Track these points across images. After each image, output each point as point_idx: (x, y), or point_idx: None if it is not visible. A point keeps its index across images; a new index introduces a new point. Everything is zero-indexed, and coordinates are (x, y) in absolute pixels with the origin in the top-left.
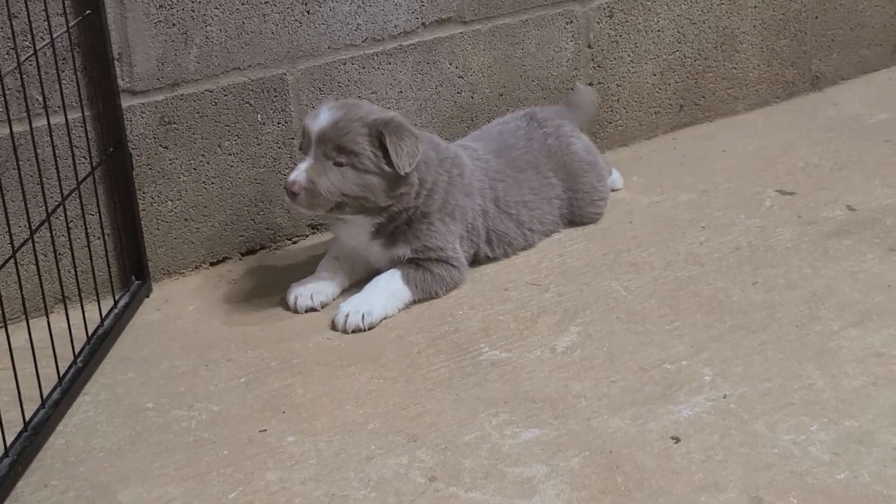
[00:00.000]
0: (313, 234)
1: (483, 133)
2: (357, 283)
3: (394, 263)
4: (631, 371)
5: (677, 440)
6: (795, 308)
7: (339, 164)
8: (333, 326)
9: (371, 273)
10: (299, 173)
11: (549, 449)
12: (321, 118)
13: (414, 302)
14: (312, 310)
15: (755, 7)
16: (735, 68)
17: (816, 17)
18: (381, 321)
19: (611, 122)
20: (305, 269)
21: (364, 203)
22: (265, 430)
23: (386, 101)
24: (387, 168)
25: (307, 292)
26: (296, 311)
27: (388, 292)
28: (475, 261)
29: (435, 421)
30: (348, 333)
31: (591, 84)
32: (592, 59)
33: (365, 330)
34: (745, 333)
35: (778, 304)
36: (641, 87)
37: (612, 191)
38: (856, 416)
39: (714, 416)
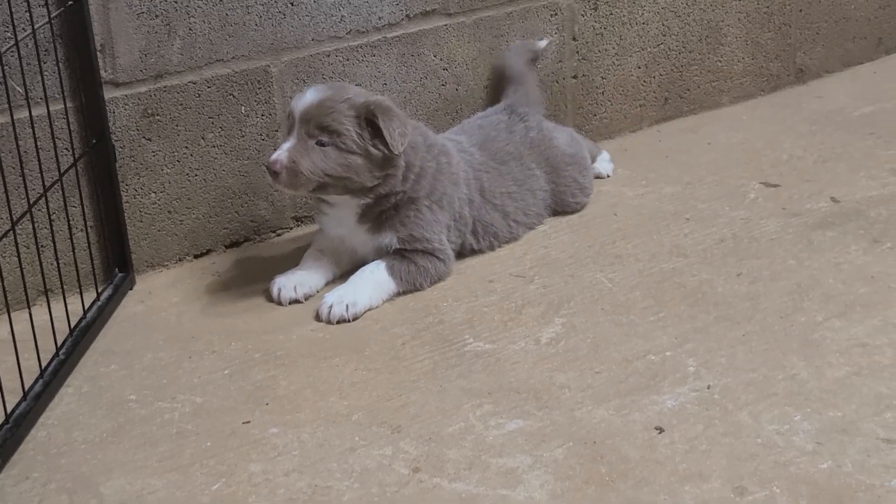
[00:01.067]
0: (298, 226)
1: (465, 127)
2: (341, 275)
3: (379, 252)
4: (615, 362)
5: (661, 430)
6: (779, 299)
7: (322, 144)
8: (318, 317)
9: (356, 265)
10: (281, 152)
11: (533, 440)
12: (306, 98)
13: (399, 294)
14: (296, 301)
15: (739, 0)
16: (720, 61)
17: (801, 10)
18: (365, 312)
19: (595, 115)
20: (289, 261)
21: (348, 184)
22: (248, 422)
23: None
24: (373, 150)
25: (291, 284)
26: (279, 303)
27: (372, 283)
28: (460, 253)
29: (419, 412)
30: (332, 324)
31: (574, 77)
32: (577, 52)
33: (349, 321)
34: (729, 324)
35: (762, 295)
36: (626, 80)
37: (598, 177)
38: (839, 406)
39: (698, 407)
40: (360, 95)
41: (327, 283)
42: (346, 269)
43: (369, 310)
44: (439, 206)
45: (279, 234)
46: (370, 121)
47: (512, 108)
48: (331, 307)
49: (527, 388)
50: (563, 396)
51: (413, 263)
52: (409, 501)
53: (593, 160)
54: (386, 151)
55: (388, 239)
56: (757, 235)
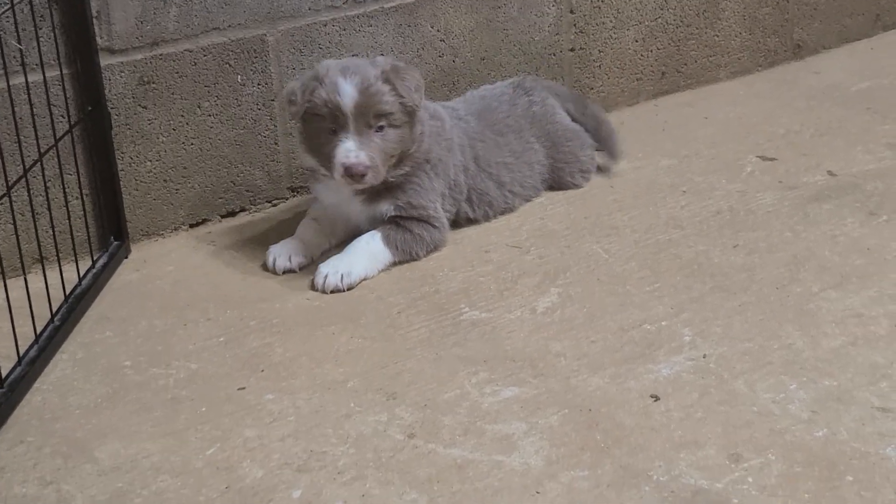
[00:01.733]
0: (293, 195)
1: (466, 97)
2: (337, 244)
3: (375, 221)
4: (611, 331)
5: (657, 398)
6: (775, 270)
7: (381, 129)
8: (313, 287)
9: (351, 234)
10: (357, 153)
11: (529, 407)
12: (348, 92)
13: (394, 263)
14: (290, 271)
15: None
16: (717, 36)
17: None
18: (360, 282)
19: (592, 89)
20: (285, 230)
21: (402, 155)
22: (244, 388)
23: None
24: (407, 112)
25: (285, 253)
26: (274, 272)
27: (368, 253)
28: (456, 222)
29: (414, 379)
30: (327, 294)
31: (572, 50)
32: (574, 25)
33: (343, 290)
34: (725, 295)
35: (758, 266)
36: (623, 54)
37: (599, 150)
38: (835, 375)
39: (693, 375)
40: (373, 66)
41: (323, 253)
42: (341, 239)
43: (364, 280)
44: (435, 172)
45: (275, 204)
46: (393, 85)
47: (519, 82)
48: (326, 277)
49: (522, 357)
50: (558, 364)
51: (409, 232)
52: (404, 466)
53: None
54: (410, 108)
55: (385, 207)
56: (753, 208)
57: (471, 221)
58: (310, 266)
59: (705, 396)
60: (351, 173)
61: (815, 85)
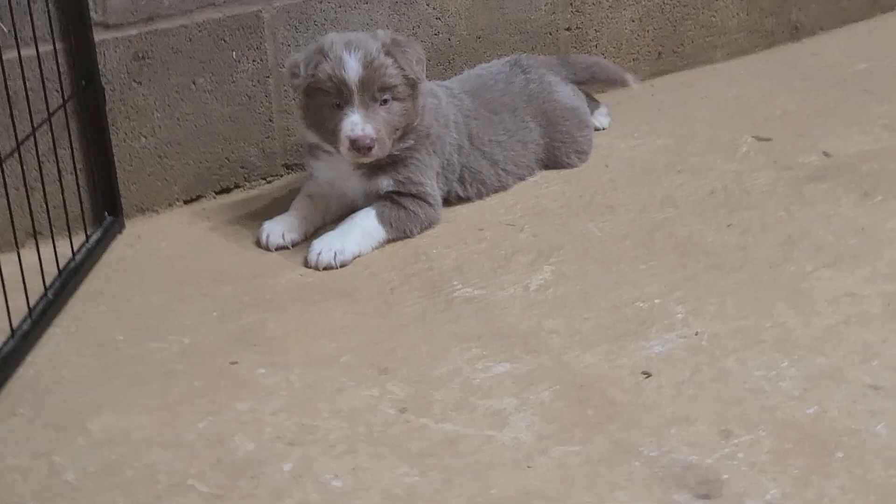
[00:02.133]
0: (288, 173)
1: (461, 76)
2: (331, 221)
3: (369, 196)
4: (604, 309)
5: (648, 375)
6: (769, 249)
7: (385, 102)
8: (306, 264)
9: (346, 211)
10: (363, 126)
11: (521, 383)
12: (352, 66)
13: (388, 241)
14: (283, 248)
15: None
16: (714, 16)
17: None
18: (353, 259)
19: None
20: (279, 207)
21: (406, 128)
22: (237, 363)
23: None
24: (410, 85)
25: (279, 230)
26: (267, 249)
27: (362, 230)
28: (447, 201)
29: (407, 355)
30: (319, 270)
31: (568, 29)
32: (571, 4)
33: (336, 267)
34: (718, 273)
35: (752, 245)
36: (620, 33)
37: (596, 129)
38: (827, 353)
39: (686, 353)
40: (373, 39)
41: (317, 230)
42: (336, 216)
43: (357, 257)
44: (434, 149)
45: (269, 181)
46: (395, 58)
47: (517, 60)
48: (319, 254)
49: (515, 333)
50: (551, 341)
51: (403, 209)
52: (395, 441)
53: (592, 111)
54: (412, 80)
55: (384, 182)
56: (748, 188)
57: (462, 200)
58: (304, 242)
59: (697, 373)
60: (357, 146)
61: (812, 66)
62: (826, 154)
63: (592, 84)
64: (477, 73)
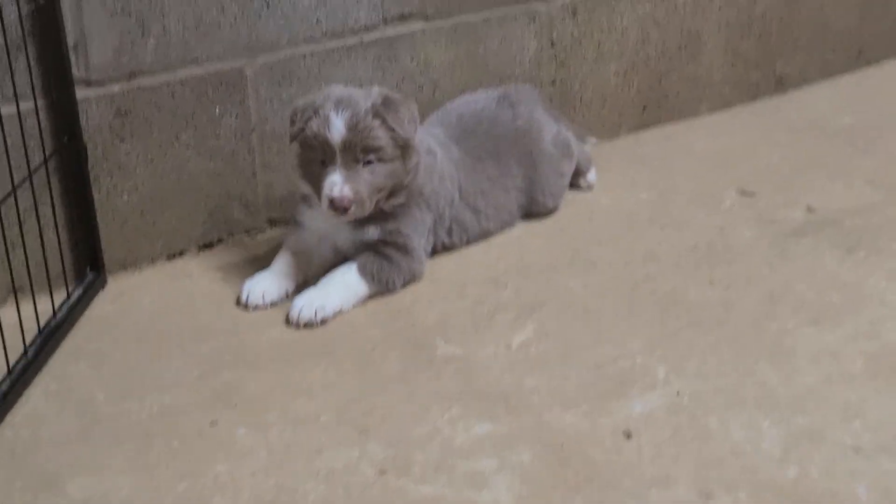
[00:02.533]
0: (271, 227)
1: (443, 116)
2: (313, 278)
3: (358, 246)
4: (585, 367)
5: (629, 435)
6: (752, 306)
7: (369, 163)
8: (287, 321)
9: (327, 266)
10: (341, 187)
11: (501, 443)
12: (337, 126)
13: (370, 296)
14: (262, 308)
15: (720, 8)
16: (699, 69)
17: (781, 19)
18: (334, 315)
19: (573, 121)
20: (263, 262)
21: (394, 188)
22: (216, 423)
23: None
24: (398, 146)
25: (258, 290)
26: (246, 308)
27: (343, 285)
28: (433, 250)
29: (387, 415)
30: (301, 327)
31: (553, 83)
32: (555, 58)
33: (317, 324)
34: (700, 330)
35: (734, 301)
36: (605, 87)
37: (583, 189)
38: (808, 413)
39: (667, 412)
40: (365, 98)
41: (298, 286)
42: (318, 272)
43: (339, 313)
44: (427, 206)
45: (252, 236)
46: (384, 119)
47: (505, 95)
48: (300, 310)
49: (496, 393)
50: (532, 401)
51: (386, 259)
52: (374, 502)
53: (584, 172)
54: (403, 141)
55: (371, 232)
56: (731, 243)
57: (446, 248)
58: (281, 301)
59: (678, 433)
60: (334, 206)
61: (796, 119)
62: (810, 209)
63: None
64: (458, 113)
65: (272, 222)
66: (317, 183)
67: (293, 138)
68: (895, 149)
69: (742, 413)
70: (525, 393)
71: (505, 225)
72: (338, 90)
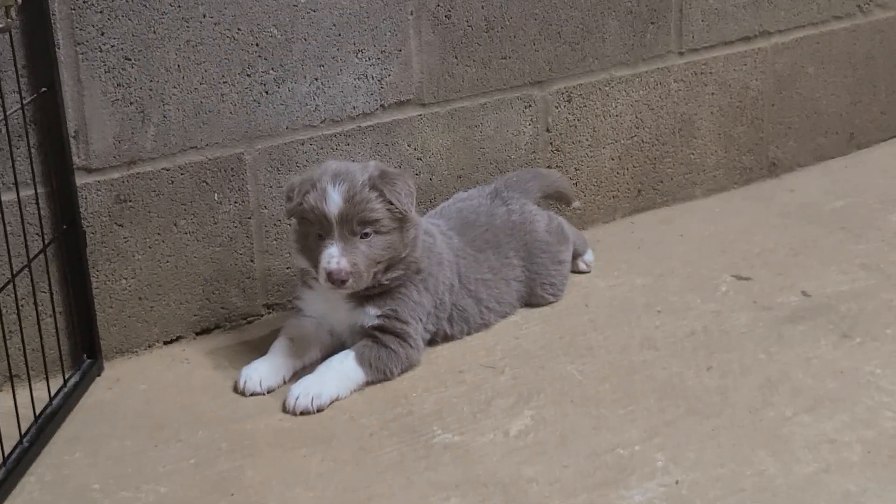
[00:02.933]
0: (269, 313)
1: (443, 210)
2: (310, 364)
3: (355, 331)
4: (583, 455)
5: None
6: (749, 393)
7: (366, 236)
8: (284, 409)
9: (325, 353)
10: (339, 260)
11: None
12: (334, 199)
13: (368, 383)
14: (259, 394)
15: (712, 94)
16: (693, 154)
17: (773, 105)
18: (330, 403)
19: (569, 206)
20: (260, 348)
21: (392, 261)
22: None
23: None
24: (396, 218)
25: (256, 377)
26: (243, 395)
27: (339, 373)
28: (433, 340)
29: None
30: (297, 415)
31: (548, 168)
32: (551, 143)
33: (314, 412)
34: (698, 418)
35: (732, 389)
36: (600, 172)
37: (582, 272)
38: (808, 502)
39: (666, 502)
40: (362, 171)
41: (296, 373)
42: (315, 359)
43: (336, 400)
44: (425, 286)
45: (250, 322)
46: (381, 192)
47: (497, 192)
48: (297, 398)
49: (494, 482)
50: (530, 490)
51: (384, 347)
52: None
53: (580, 254)
54: (400, 213)
55: (370, 314)
56: (728, 328)
57: (447, 338)
58: (284, 386)
59: None
60: (332, 279)
61: (789, 203)
62: (805, 294)
63: (557, 198)
64: (458, 207)
65: (270, 307)
66: (314, 257)
67: (291, 214)
68: (888, 233)
69: (741, 503)
70: (523, 482)
71: (505, 316)
72: (334, 164)
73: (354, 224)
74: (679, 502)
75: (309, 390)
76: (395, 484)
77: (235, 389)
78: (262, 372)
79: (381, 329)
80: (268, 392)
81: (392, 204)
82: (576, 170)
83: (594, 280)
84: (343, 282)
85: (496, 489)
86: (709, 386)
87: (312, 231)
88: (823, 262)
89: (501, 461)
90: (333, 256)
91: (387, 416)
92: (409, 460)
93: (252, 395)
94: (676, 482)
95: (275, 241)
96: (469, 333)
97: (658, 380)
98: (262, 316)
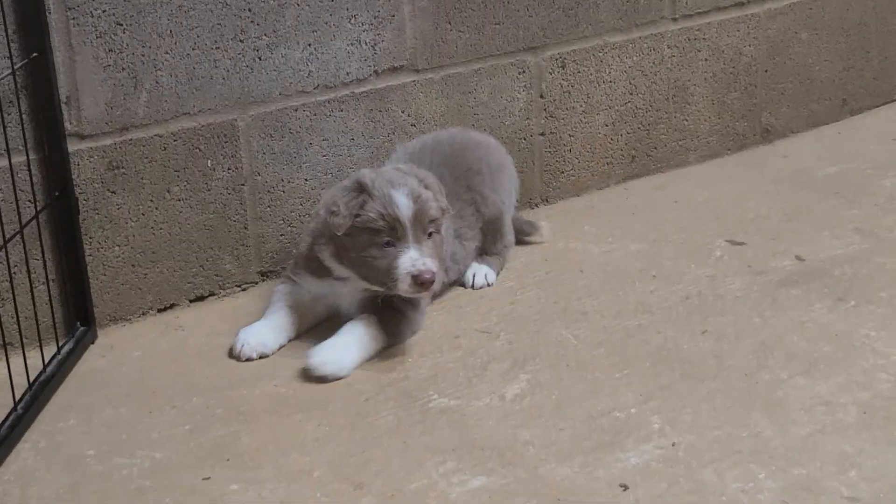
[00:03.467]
0: (263, 280)
1: (414, 156)
2: (305, 331)
3: (362, 303)
4: (579, 419)
5: (626, 488)
6: (744, 357)
7: (431, 235)
8: (307, 375)
9: (318, 324)
10: (424, 261)
11: (497, 497)
12: (405, 203)
13: (385, 348)
14: (252, 360)
15: (706, 60)
16: (686, 120)
17: (766, 71)
18: (353, 370)
19: (563, 173)
20: (254, 315)
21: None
22: (208, 478)
23: (338, 148)
24: (444, 217)
25: (253, 342)
26: (238, 360)
27: (362, 339)
28: None
29: (382, 469)
30: (324, 382)
31: (542, 134)
32: (545, 109)
33: (342, 378)
34: (693, 382)
35: (726, 352)
36: (594, 138)
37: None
38: (803, 464)
39: (662, 464)
40: (410, 174)
41: (290, 340)
42: (309, 327)
43: (357, 367)
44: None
45: (244, 289)
46: (433, 191)
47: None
48: (321, 365)
49: (491, 445)
50: (526, 453)
51: (401, 314)
52: None
53: (531, 233)
54: (445, 210)
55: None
56: (722, 293)
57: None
58: (273, 354)
59: (674, 486)
60: (421, 281)
61: (783, 169)
62: (799, 258)
63: None
64: (419, 154)
65: (264, 275)
66: (381, 267)
67: (342, 228)
68: (881, 198)
69: (737, 465)
70: (520, 446)
71: (465, 270)
72: (373, 171)
73: (426, 224)
74: (675, 464)
75: (334, 358)
76: (391, 448)
77: (230, 355)
78: (258, 337)
79: (396, 297)
80: (261, 357)
81: (439, 201)
82: (570, 136)
83: (588, 246)
84: (432, 283)
85: (492, 453)
86: (704, 350)
87: (376, 241)
88: (817, 227)
89: (497, 425)
90: (417, 259)
91: (383, 381)
92: (406, 425)
93: (247, 360)
94: (673, 444)
95: (269, 208)
96: (440, 294)
97: (653, 344)
98: (257, 283)
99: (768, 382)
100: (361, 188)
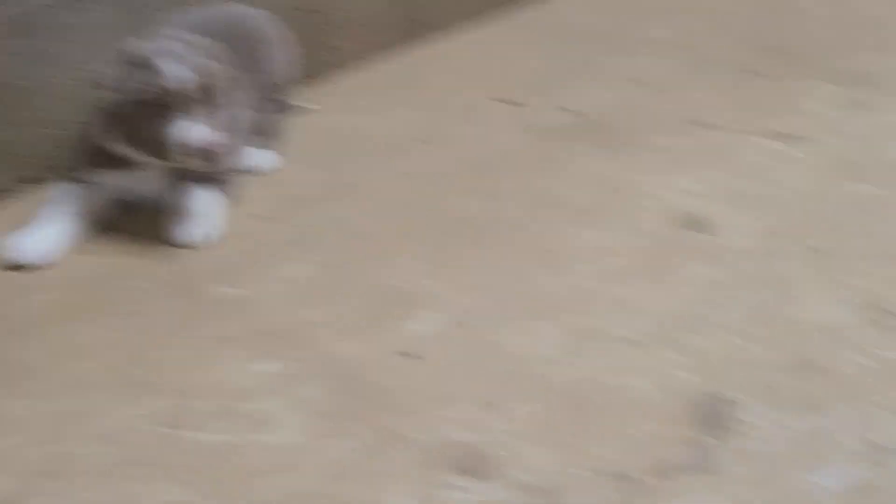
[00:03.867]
0: (22, 186)
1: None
2: (77, 236)
3: (172, 182)
4: (366, 294)
5: (413, 357)
6: (524, 214)
7: (216, 105)
8: (187, 245)
9: (95, 223)
10: (199, 128)
11: (287, 381)
12: (186, 73)
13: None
14: (26, 266)
15: None
16: None
17: None
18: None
19: (331, 47)
20: (16, 222)
21: None
22: None
23: (96, 44)
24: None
25: (24, 246)
26: (7, 268)
27: (216, 206)
28: None
29: (166, 367)
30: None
31: (316, 11)
32: None
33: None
34: (474, 244)
35: (506, 211)
36: (363, 9)
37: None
38: (585, 312)
39: (447, 329)
40: (193, 43)
41: (65, 246)
42: (89, 223)
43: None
44: None
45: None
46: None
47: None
48: (196, 235)
49: (278, 331)
50: (314, 334)
51: (226, 183)
52: (159, 459)
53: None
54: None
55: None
56: (499, 153)
57: None
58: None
59: (459, 350)
60: (198, 149)
61: (556, 25)
62: (574, 112)
63: None
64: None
65: (23, 181)
66: (164, 139)
67: (117, 102)
68: (657, 47)
69: (522, 321)
70: (308, 327)
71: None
72: (143, 43)
73: (212, 94)
74: (461, 328)
75: (205, 225)
76: (175, 345)
77: None
78: (28, 243)
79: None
80: (32, 264)
81: (223, 71)
82: (337, 10)
83: (360, 119)
84: (212, 150)
85: (280, 338)
86: (483, 211)
87: (160, 114)
88: (593, 82)
89: (286, 309)
90: (193, 127)
91: (159, 277)
92: (188, 319)
93: (17, 267)
94: (458, 310)
95: (11, 111)
96: None
97: (434, 211)
98: (14, 191)
99: (549, 237)
100: (137, 60)
